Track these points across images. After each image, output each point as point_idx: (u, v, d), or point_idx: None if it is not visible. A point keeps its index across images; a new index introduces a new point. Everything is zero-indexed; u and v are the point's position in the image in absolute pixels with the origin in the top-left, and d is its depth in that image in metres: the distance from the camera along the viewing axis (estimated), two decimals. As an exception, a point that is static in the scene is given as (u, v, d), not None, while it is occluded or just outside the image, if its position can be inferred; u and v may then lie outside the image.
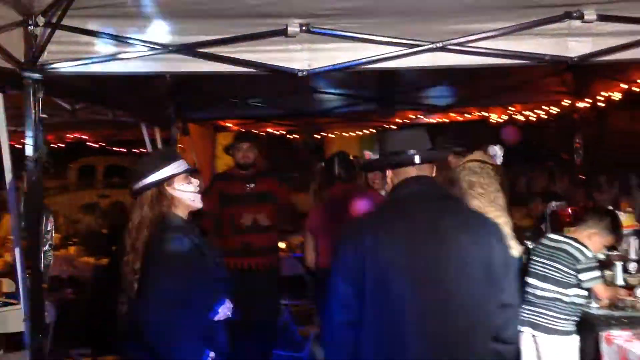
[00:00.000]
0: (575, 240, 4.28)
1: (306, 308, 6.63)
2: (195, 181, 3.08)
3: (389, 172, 2.61)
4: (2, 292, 5.38)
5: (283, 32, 3.55)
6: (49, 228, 3.43)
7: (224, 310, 2.94)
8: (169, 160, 3.02)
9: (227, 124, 8.59)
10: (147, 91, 5.61)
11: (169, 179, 2.98)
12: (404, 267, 2.37)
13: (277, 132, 9.37)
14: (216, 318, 2.91)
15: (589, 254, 4.20)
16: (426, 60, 3.70)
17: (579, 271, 4.17)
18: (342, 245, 2.46)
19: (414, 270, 2.38)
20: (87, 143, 9.20)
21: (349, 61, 3.67)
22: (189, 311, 2.78)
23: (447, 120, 8.49)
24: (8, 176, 3.71)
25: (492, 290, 2.45)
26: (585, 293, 4.24)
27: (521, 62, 3.67)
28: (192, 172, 3.10)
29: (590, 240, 4.28)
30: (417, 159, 2.53)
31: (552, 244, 4.34)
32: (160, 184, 2.97)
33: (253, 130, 8.91)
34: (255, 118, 8.29)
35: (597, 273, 4.21)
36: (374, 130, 9.18)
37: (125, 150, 11.59)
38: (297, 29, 3.53)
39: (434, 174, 2.62)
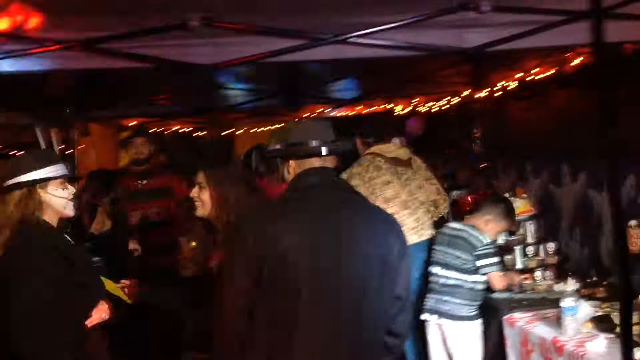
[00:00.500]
0: (472, 227, 4.44)
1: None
2: (72, 188, 2.99)
3: (292, 162, 2.62)
4: None
5: (183, 26, 3.49)
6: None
7: (98, 314, 2.89)
8: (47, 163, 2.90)
9: (131, 123, 8.39)
10: (43, 90, 5.39)
11: (44, 182, 2.87)
12: (301, 257, 2.40)
13: (184, 130, 9.24)
14: (89, 323, 2.84)
15: (485, 240, 4.37)
16: (329, 53, 3.74)
17: (477, 257, 4.32)
18: (240, 235, 2.44)
19: (310, 260, 2.41)
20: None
21: (254, 55, 3.66)
22: (53, 322, 2.70)
23: (353, 113, 8.62)
24: None
25: (385, 283, 2.50)
26: (485, 278, 4.40)
27: (420, 53, 3.76)
28: (70, 178, 3.01)
29: (487, 227, 4.45)
30: (323, 150, 2.55)
31: (451, 232, 4.50)
32: (32, 184, 2.85)
33: (158, 129, 8.81)
34: (159, 116, 8.12)
35: (493, 259, 4.37)
36: (283, 125, 9.20)
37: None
38: (197, 23, 3.48)
39: (335, 166, 2.66)
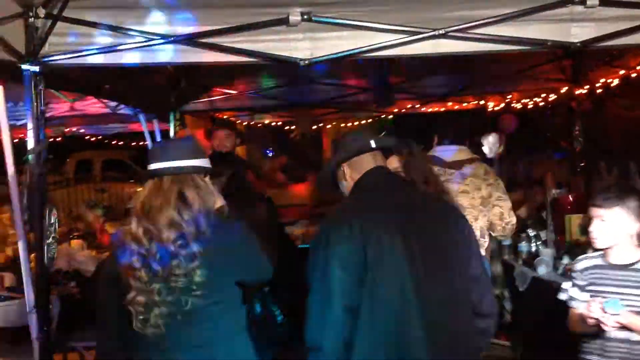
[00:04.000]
0: None
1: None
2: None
3: (345, 169, 2.64)
4: (4, 286, 5.38)
5: (284, 21, 3.54)
6: (52, 221, 3.42)
7: None
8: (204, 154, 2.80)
9: (224, 116, 8.57)
10: (146, 83, 5.59)
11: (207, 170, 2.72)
12: (399, 250, 2.39)
13: (275, 124, 9.36)
14: None
15: None
16: (427, 48, 3.70)
17: None
18: (332, 232, 2.43)
19: (407, 253, 2.40)
20: (86, 137, 9.18)
21: (351, 49, 3.66)
22: None
23: (443, 110, 8.50)
24: (10, 169, 3.71)
25: (464, 266, 2.53)
26: None
27: (523, 48, 3.66)
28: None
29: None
30: (372, 144, 2.59)
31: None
32: (201, 171, 2.69)
33: (249, 122, 8.97)
34: (250, 109, 8.27)
35: None
36: (371, 120, 9.18)
37: (122, 143, 11.57)
38: (299, 18, 3.52)
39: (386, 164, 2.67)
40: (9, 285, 5.44)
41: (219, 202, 2.70)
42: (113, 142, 11.48)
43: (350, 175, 2.64)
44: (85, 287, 5.39)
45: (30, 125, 3.47)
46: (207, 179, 2.69)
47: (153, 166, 2.61)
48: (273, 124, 9.30)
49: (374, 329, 2.35)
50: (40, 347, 3.44)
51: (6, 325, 4.72)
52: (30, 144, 3.46)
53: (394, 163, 2.72)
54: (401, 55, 3.75)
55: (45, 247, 3.39)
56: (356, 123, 9.26)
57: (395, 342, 2.36)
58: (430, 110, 8.40)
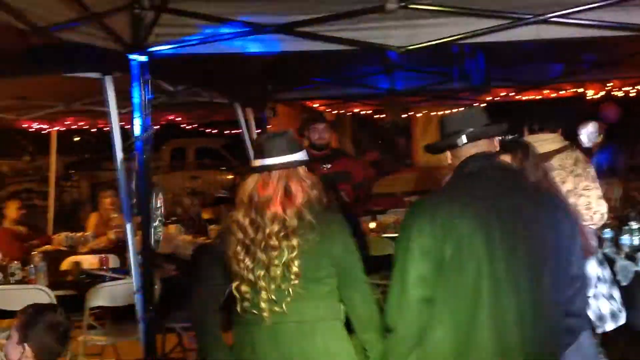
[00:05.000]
0: None
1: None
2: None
3: (448, 153, 2.59)
4: (108, 267, 5.64)
5: (381, 9, 3.53)
6: (158, 205, 3.57)
7: None
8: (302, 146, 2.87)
9: (314, 105, 8.65)
10: (242, 72, 5.71)
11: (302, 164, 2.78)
12: (479, 243, 2.35)
13: (364, 112, 9.37)
14: None
15: None
16: (528, 34, 3.62)
17: None
18: (415, 220, 2.43)
19: (487, 245, 2.36)
20: (181, 125, 9.47)
21: (449, 36, 3.63)
22: None
23: (539, 97, 8.27)
24: (119, 155, 3.89)
25: (560, 264, 2.44)
26: None
27: (629, 33, 3.52)
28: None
29: None
30: (464, 138, 2.51)
31: None
32: (302, 164, 2.78)
33: (339, 111, 9.01)
34: (342, 98, 8.29)
35: None
36: (462, 109, 9.02)
37: (217, 131, 11.85)
38: (395, 5, 3.51)
39: (494, 150, 2.59)
40: (113, 267, 5.71)
41: (321, 193, 2.78)
42: (207, 130, 11.78)
43: (451, 159, 2.61)
44: (184, 270, 5.58)
45: (136, 114, 3.62)
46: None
47: (260, 162, 2.71)
48: (363, 112, 9.31)
49: (444, 321, 2.37)
50: (145, 326, 3.60)
51: (111, 304, 4.94)
52: (137, 131, 3.61)
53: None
54: (500, 42, 3.68)
55: (152, 230, 3.54)
56: (447, 111, 9.13)
57: (464, 338, 2.35)
58: (525, 98, 8.19)
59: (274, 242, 2.60)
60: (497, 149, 2.63)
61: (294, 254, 2.60)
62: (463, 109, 2.90)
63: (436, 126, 7.59)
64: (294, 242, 2.61)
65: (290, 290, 2.61)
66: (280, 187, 2.66)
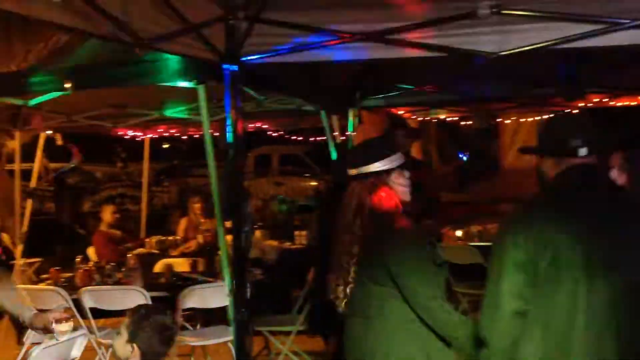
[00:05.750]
0: None
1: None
2: (407, 174, 3.10)
3: (548, 160, 2.48)
4: (198, 270, 5.81)
5: (473, 15, 3.50)
6: (248, 210, 3.65)
7: None
8: (391, 152, 3.06)
9: (399, 111, 8.60)
10: (328, 79, 5.76)
11: (389, 172, 3.02)
12: (575, 257, 2.27)
13: (450, 119, 9.24)
14: None
15: None
16: (624, 39, 3.49)
17: None
18: (510, 232, 2.37)
19: (584, 261, 2.27)
20: (267, 132, 9.62)
21: (542, 42, 3.55)
22: None
23: (635, 104, 7.93)
24: (211, 162, 4.00)
25: None
26: None
27: None
28: (405, 166, 3.13)
29: None
30: (583, 151, 2.40)
31: None
32: (382, 174, 3.01)
33: (424, 118, 8.92)
34: (428, 104, 8.21)
35: None
36: (553, 115, 8.75)
37: (301, 138, 11.99)
38: (488, 11, 3.46)
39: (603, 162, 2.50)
40: (202, 270, 5.87)
41: (405, 197, 3.04)
42: (292, 138, 11.94)
43: (551, 165, 2.53)
44: (271, 274, 5.68)
45: (229, 121, 3.72)
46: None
47: (350, 172, 3.03)
48: (449, 119, 9.19)
49: (535, 337, 2.31)
50: (237, 328, 3.69)
51: (201, 306, 5.08)
52: (229, 138, 3.71)
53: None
54: (596, 47, 3.57)
55: (243, 235, 3.63)
56: (537, 118, 8.91)
57: (556, 355, 2.29)
58: (619, 104, 7.87)
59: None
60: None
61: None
62: (571, 112, 2.81)
63: (526, 132, 7.41)
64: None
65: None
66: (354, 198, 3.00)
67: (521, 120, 9.18)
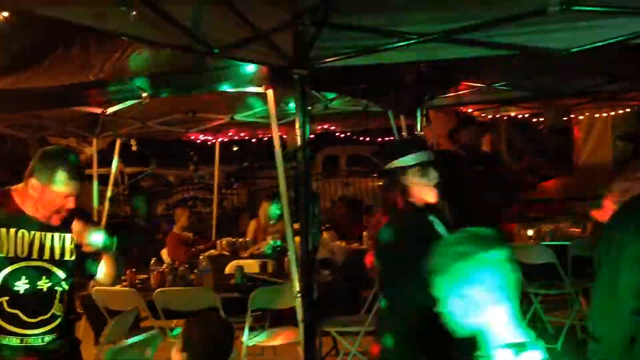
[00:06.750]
0: None
1: (556, 297, 6.39)
2: (434, 173, 3.08)
3: None
4: (267, 272, 5.90)
5: (542, 12, 3.43)
6: (316, 212, 3.69)
7: None
8: (409, 150, 3.09)
9: (469, 109, 8.48)
10: (395, 79, 5.75)
11: (403, 170, 3.07)
12: None
13: (520, 116, 9.06)
14: None
15: None
16: None
17: None
18: (623, 229, 2.34)
19: None
20: (335, 133, 9.67)
21: (613, 38, 3.45)
22: None
23: None
24: (279, 165, 4.07)
25: None
26: None
27: None
28: (427, 164, 3.11)
29: None
30: None
31: None
32: (397, 171, 3.09)
33: (494, 115, 8.77)
34: (497, 102, 8.07)
35: None
36: (630, 110, 8.48)
37: (368, 139, 12.00)
38: (557, 8, 3.39)
39: None
40: (271, 271, 5.95)
41: (432, 197, 3.06)
42: (360, 138, 11.96)
43: None
44: (340, 275, 5.71)
45: (297, 124, 3.77)
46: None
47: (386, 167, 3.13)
48: (520, 116, 9.01)
49: None
50: (305, 328, 3.74)
51: (271, 307, 5.15)
52: (299, 141, 3.75)
53: None
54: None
55: (311, 237, 3.67)
56: (612, 113, 8.64)
57: None
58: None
59: None
60: None
61: None
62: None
63: (601, 128, 7.18)
64: None
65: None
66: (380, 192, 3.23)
67: (595, 115, 8.91)
